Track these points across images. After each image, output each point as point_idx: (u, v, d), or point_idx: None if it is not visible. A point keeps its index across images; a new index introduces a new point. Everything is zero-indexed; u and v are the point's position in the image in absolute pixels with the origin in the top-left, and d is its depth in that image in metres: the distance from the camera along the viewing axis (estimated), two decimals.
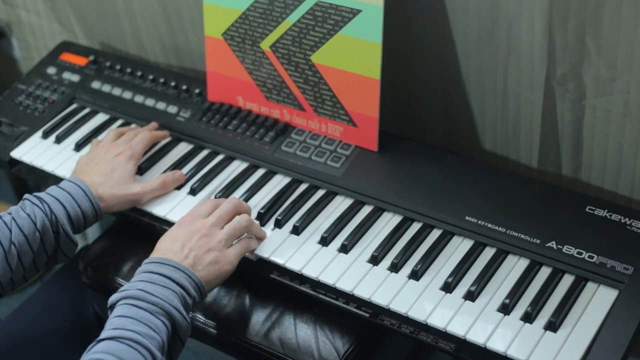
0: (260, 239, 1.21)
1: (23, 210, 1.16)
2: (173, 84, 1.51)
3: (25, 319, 1.40)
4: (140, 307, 1.00)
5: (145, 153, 1.37)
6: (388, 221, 1.23)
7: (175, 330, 1.03)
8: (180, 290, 1.05)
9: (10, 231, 1.13)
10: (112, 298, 1.04)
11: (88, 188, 1.22)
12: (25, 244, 1.14)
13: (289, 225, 1.24)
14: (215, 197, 1.30)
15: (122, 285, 1.31)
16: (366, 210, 1.25)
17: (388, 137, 1.33)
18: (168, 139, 1.42)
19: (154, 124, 1.43)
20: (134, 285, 1.04)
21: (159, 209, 1.29)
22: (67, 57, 1.64)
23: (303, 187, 1.31)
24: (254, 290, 1.27)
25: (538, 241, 1.13)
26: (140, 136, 1.35)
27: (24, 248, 1.14)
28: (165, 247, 1.11)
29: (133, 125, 1.45)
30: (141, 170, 1.36)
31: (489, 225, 1.17)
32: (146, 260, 1.09)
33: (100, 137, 1.46)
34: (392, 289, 1.12)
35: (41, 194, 1.20)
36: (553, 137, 1.28)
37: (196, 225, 1.14)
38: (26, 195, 1.20)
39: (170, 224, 1.26)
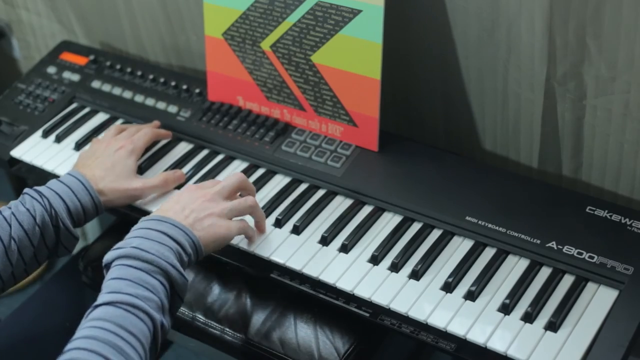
0: (261, 228, 1.20)
1: (23, 205, 1.16)
2: (173, 83, 1.51)
3: (25, 319, 1.39)
4: (135, 267, 0.99)
5: (145, 152, 1.37)
6: (388, 221, 1.23)
7: (172, 287, 1.02)
8: (176, 246, 1.03)
9: (10, 226, 1.13)
10: (107, 257, 1.02)
11: (88, 182, 1.22)
12: (25, 239, 1.14)
13: (289, 225, 1.24)
14: None
15: None
16: (366, 210, 1.25)
17: (388, 137, 1.33)
18: (169, 139, 1.42)
19: (156, 122, 1.42)
20: (129, 242, 1.02)
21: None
22: (67, 57, 1.64)
23: (303, 187, 1.31)
24: (254, 290, 1.27)
25: (538, 241, 1.13)
26: (143, 132, 1.35)
27: (24, 243, 1.14)
28: (167, 207, 1.11)
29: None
30: (141, 169, 1.36)
31: (489, 225, 1.17)
32: (144, 218, 1.09)
33: (100, 137, 1.46)
34: (393, 288, 1.12)
35: (41, 188, 1.19)
36: (553, 137, 1.28)
37: (200, 191, 1.15)
38: (26, 190, 1.19)
39: None
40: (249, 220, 1.20)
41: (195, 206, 1.11)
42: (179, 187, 1.33)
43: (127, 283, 0.97)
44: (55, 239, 1.18)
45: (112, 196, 1.25)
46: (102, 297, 0.97)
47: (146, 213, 1.29)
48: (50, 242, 1.17)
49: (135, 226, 1.07)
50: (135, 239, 1.03)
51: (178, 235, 1.05)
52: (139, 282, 0.98)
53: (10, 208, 1.16)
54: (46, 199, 1.17)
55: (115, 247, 1.03)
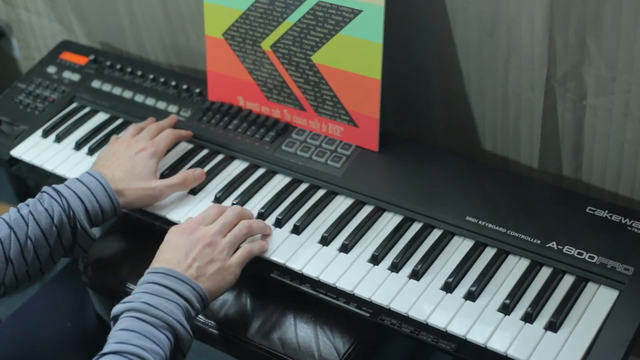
0: (267, 234, 1.20)
1: (41, 204, 1.15)
2: (173, 83, 1.51)
3: (26, 320, 1.39)
4: (144, 321, 0.99)
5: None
6: (388, 221, 1.23)
7: (177, 343, 1.02)
8: (184, 302, 1.04)
9: (27, 225, 1.13)
10: (116, 309, 1.03)
11: (107, 183, 1.21)
12: (41, 238, 1.13)
13: (289, 225, 1.24)
14: (216, 196, 1.30)
15: (122, 285, 1.32)
16: (367, 210, 1.25)
17: (388, 137, 1.33)
18: (189, 138, 1.41)
19: (173, 117, 1.41)
20: (137, 297, 1.03)
21: (159, 209, 1.29)
22: (67, 57, 1.64)
23: (303, 186, 1.31)
24: (254, 290, 1.27)
25: (538, 242, 1.13)
26: (165, 133, 1.33)
27: (41, 242, 1.13)
28: (169, 257, 1.10)
29: (151, 119, 1.43)
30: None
31: (490, 225, 1.17)
32: (149, 269, 1.08)
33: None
34: (393, 288, 1.12)
35: (60, 187, 1.18)
36: (554, 137, 1.28)
37: (200, 233, 1.13)
38: (45, 188, 1.18)
39: (170, 223, 1.26)
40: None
41: (197, 254, 1.10)
42: (195, 191, 1.32)
43: (135, 335, 0.98)
44: (71, 240, 1.18)
45: (131, 197, 1.24)
46: (108, 347, 0.97)
47: (146, 213, 1.29)
48: (67, 243, 1.17)
49: (142, 279, 1.07)
50: (143, 294, 1.03)
51: (185, 290, 1.05)
52: (147, 335, 0.98)
53: (28, 206, 1.15)
54: (65, 199, 1.16)
55: (123, 300, 1.04)
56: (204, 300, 1.07)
